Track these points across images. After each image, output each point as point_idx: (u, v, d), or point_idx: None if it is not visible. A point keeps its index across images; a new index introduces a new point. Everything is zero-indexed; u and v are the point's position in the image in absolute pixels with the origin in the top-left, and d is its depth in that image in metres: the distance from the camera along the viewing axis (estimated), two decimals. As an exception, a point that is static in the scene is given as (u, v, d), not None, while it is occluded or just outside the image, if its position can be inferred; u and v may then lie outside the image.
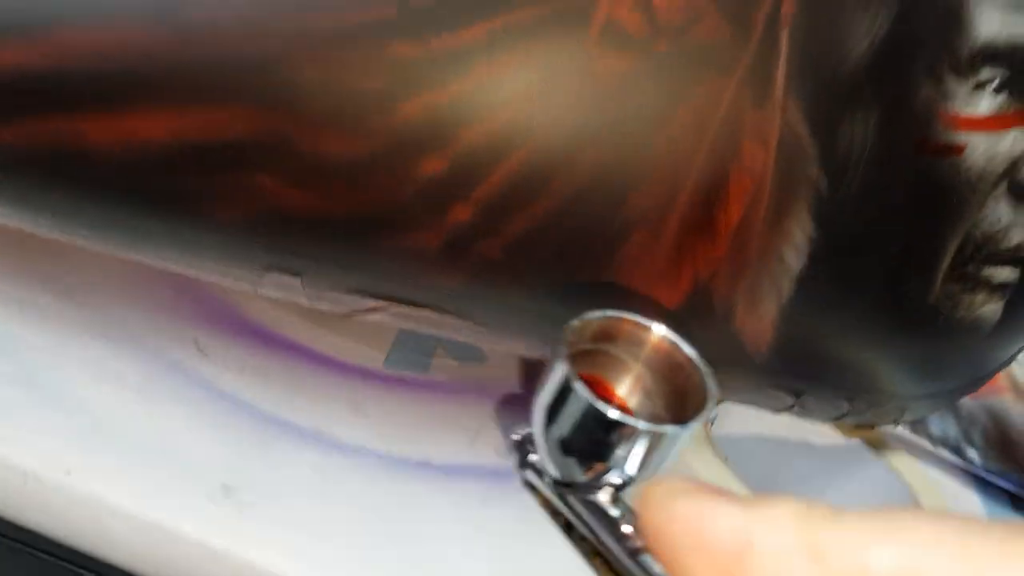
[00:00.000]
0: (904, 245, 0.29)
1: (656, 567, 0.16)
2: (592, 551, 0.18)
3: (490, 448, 0.38)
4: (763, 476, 0.39)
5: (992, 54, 0.27)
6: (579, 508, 0.19)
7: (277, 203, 0.28)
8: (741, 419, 0.37)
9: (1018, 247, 0.30)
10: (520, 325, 0.31)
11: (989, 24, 0.27)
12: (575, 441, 0.20)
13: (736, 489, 0.33)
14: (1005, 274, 0.30)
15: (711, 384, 0.21)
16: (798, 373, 0.32)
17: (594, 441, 0.20)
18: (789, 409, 0.35)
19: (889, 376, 0.32)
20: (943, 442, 0.45)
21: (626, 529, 0.18)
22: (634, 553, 0.17)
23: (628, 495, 0.20)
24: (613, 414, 0.20)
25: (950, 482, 0.44)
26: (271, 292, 0.32)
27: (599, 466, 0.20)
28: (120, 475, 0.31)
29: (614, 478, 0.20)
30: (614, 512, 0.19)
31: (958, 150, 0.28)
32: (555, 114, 0.27)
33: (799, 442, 0.38)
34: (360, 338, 0.41)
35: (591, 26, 0.26)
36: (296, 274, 0.30)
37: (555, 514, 0.20)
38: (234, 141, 0.28)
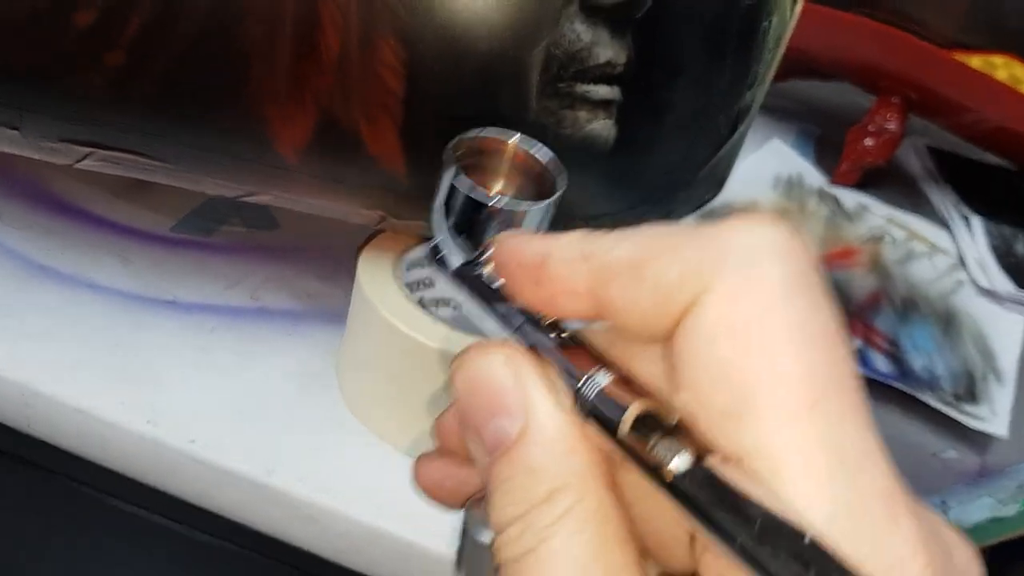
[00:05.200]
0: (485, 64, 0.32)
1: (517, 315, 0.22)
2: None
3: (245, 294, 0.42)
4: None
5: None
6: (471, 283, 0.25)
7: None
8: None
9: (608, 64, 0.32)
10: (198, 163, 0.35)
11: None
12: (462, 225, 0.27)
13: (423, 321, 0.36)
14: (603, 92, 0.33)
15: (559, 174, 0.28)
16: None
17: (476, 223, 0.27)
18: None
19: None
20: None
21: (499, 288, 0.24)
22: (502, 301, 0.23)
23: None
24: (485, 198, 0.27)
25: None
26: (7, 148, 0.37)
27: (482, 244, 0.26)
28: None
29: None
30: (493, 280, 0.25)
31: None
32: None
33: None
34: (158, 209, 0.46)
35: None
36: (16, 128, 0.36)
37: (460, 286, 0.26)
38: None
